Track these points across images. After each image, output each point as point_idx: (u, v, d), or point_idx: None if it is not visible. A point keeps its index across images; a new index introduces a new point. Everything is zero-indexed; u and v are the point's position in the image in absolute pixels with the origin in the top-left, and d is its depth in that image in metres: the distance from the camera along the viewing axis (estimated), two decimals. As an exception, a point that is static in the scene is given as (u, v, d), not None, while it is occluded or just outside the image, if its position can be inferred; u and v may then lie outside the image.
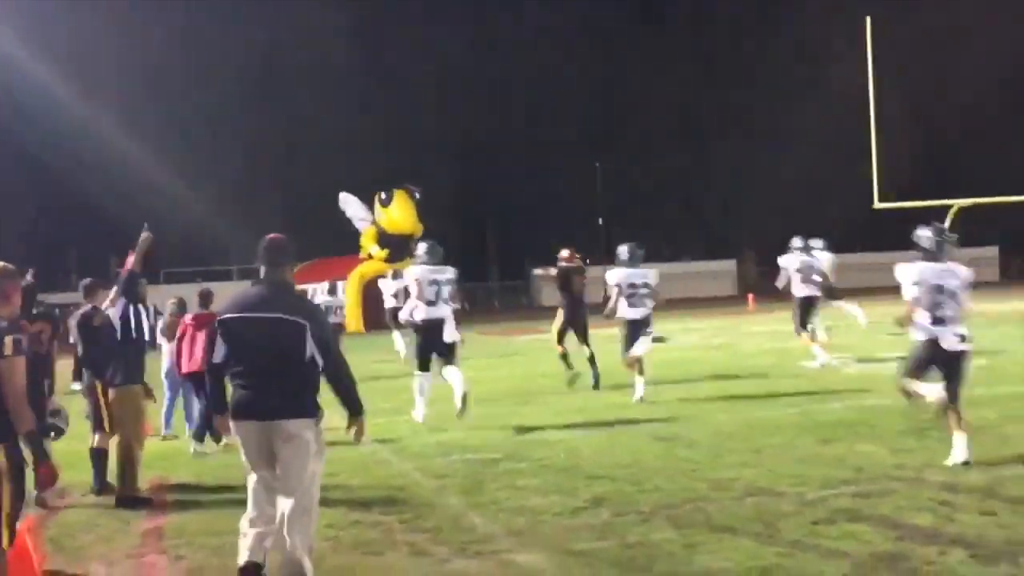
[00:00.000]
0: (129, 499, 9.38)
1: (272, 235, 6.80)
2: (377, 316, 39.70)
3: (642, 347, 14.40)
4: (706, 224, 60.37)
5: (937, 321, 9.04)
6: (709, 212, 57.71)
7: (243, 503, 8.75)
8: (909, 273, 9.15)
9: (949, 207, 41.26)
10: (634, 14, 59.65)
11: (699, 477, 8.98)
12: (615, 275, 14.62)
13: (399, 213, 37.04)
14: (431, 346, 13.21)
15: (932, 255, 9.19)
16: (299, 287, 27.73)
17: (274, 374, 6.39)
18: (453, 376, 12.86)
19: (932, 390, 9.10)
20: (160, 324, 14.38)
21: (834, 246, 22.90)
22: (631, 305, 14.43)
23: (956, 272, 9.17)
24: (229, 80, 53.36)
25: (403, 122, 55.42)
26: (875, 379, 14.78)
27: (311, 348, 6.37)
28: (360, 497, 9.07)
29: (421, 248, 13.70)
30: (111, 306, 9.94)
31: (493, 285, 61.53)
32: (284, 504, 6.31)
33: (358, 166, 49.90)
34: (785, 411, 12.29)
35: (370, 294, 39.27)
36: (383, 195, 37.25)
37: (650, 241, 59.65)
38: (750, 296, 41.26)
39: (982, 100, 55.70)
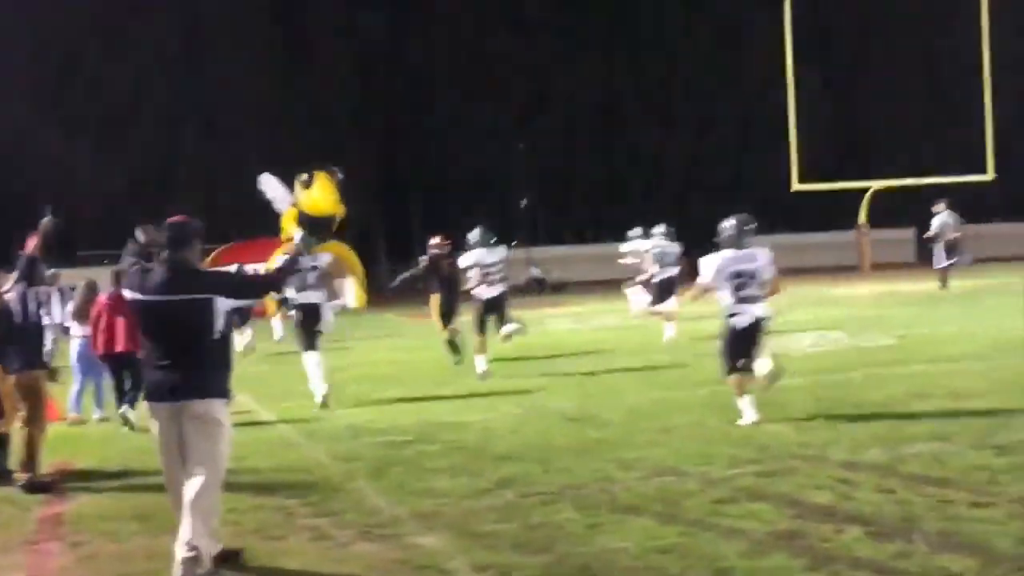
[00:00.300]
0: (34, 485, 9.22)
1: (175, 217, 6.74)
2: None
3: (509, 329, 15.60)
4: (629, 206, 60.61)
5: (740, 300, 10.28)
6: (631, 194, 57.77)
7: (146, 488, 8.70)
8: (712, 262, 10.45)
9: (866, 189, 41.89)
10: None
11: (607, 457, 9.00)
12: (469, 257, 15.55)
13: (320, 194, 36.61)
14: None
15: (734, 243, 10.42)
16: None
17: (182, 355, 6.39)
18: None
19: (763, 365, 10.31)
20: (70, 307, 14.16)
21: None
22: (488, 284, 15.33)
23: (756, 256, 10.41)
24: (146, 56, 52.48)
25: (324, 101, 54.87)
26: (786, 359, 14.90)
27: (220, 321, 6.41)
28: (266, 480, 8.98)
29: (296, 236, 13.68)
30: (11, 290, 9.75)
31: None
32: (189, 485, 6.28)
33: (279, 145, 49.39)
34: (696, 391, 12.36)
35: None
36: (305, 176, 36.87)
37: (575, 223, 59.91)
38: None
39: (900, 83, 56.32)
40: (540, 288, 42.11)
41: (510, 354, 17.22)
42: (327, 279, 14.25)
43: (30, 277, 9.68)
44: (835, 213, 48.16)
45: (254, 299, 6.58)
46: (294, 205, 39.39)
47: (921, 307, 22.59)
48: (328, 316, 13.86)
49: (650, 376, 14.18)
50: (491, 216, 59.13)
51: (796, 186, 38.13)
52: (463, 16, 56.83)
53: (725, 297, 10.35)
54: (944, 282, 26.53)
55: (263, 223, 37.15)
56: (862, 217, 42.61)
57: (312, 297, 13.71)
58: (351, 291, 36.60)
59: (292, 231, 36.17)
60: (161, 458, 6.55)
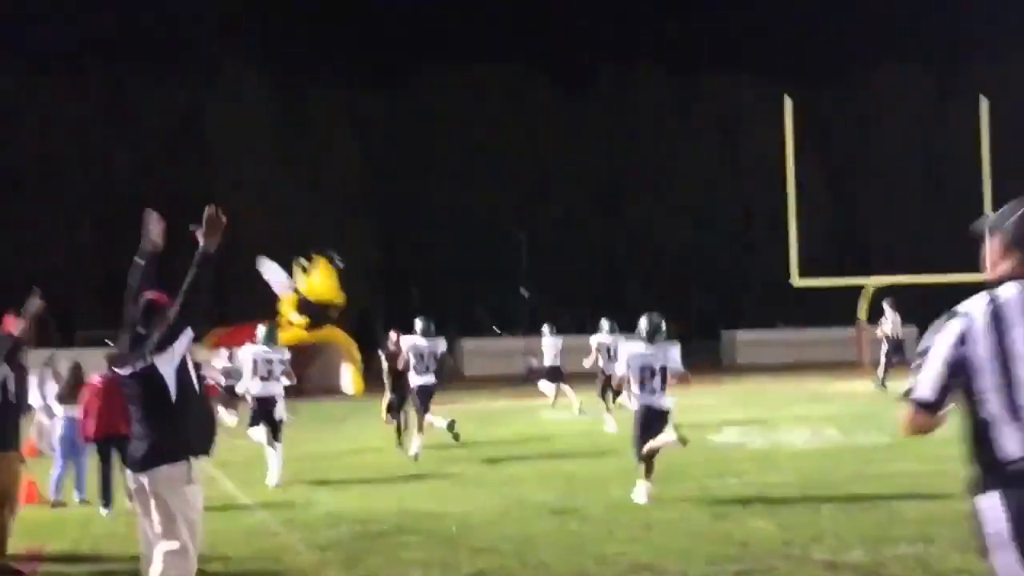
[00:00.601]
0: (3, 570, 9.05)
1: (149, 295, 6.63)
2: (297, 383, 39.38)
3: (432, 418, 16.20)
4: (629, 297, 60.66)
5: (648, 392, 11.36)
6: (631, 285, 57.92)
7: (113, 574, 8.56)
8: (623, 356, 11.69)
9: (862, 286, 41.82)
10: (558, 85, 60.26)
11: (586, 552, 8.83)
12: (405, 342, 16.76)
13: (320, 280, 36.67)
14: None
15: (646, 340, 11.48)
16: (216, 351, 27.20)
17: (143, 423, 6.30)
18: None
19: (666, 437, 11.22)
20: (54, 389, 14.07)
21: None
22: (417, 372, 16.31)
23: (666, 353, 11.42)
24: (149, 140, 53.01)
25: (326, 187, 55.26)
26: (777, 455, 14.76)
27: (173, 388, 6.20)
28: (238, 569, 8.84)
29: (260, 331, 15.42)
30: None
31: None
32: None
33: (280, 229, 49.61)
34: (682, 485, 12.17)
35: (290, 361, 38.85)
36: (304, 262, 36.91)
37: (575, 313, 59.92)
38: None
39: (901, 178, 56.69)
40: (537, 377, 41.85)
41: (498, 442, 17.09)
42: (289, 373, 15.10)
43: (12, 359, 9.60)
44: (836, 308, 48.12)
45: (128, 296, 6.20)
46: (294, 290, 38.98)
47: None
48: (281, 406, 14.69)
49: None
50: (491, 304, 59.55)
51: (797, 282, 38.03)
52: (464, 102, 57.41)
53: (635, 388, 11.45)
54: (882, 381, 26.19)
55: (265, 305, 37.21)
56: (861, 313, 42.48)
57: (273, 389, 14.59)
58: (348, 378, 36.42)
59: (290, 316, 35.83)
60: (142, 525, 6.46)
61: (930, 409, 3.92)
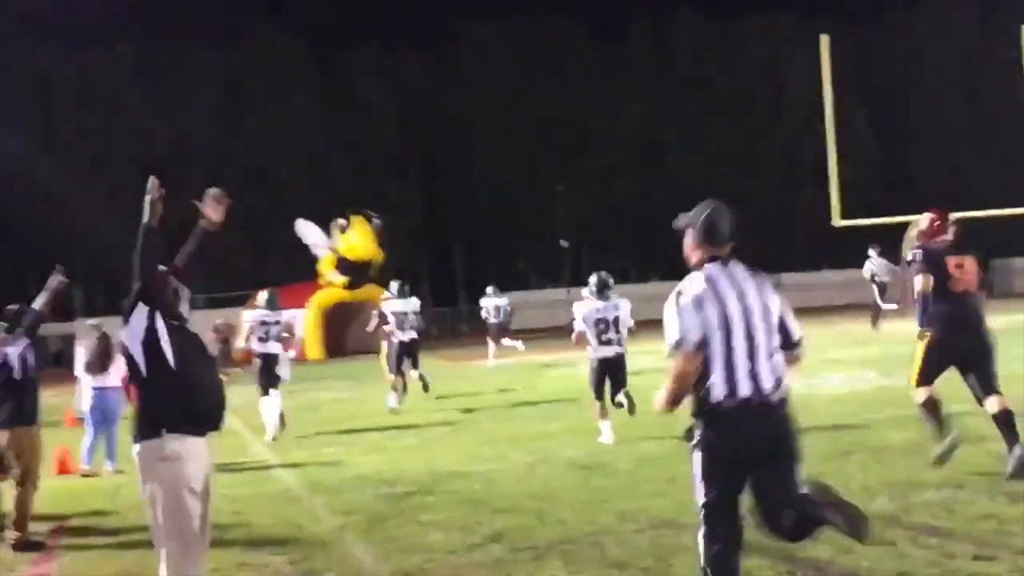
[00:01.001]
0: (24, 543, 9.07)
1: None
2: (336, 343, 39.52)
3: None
4: (672, 245, 60.19)
5: (603, 343, 12.49)
6: (673, 233, 57.54)
7: (137, 545, 8.52)
8: (579, 311, 12.71)
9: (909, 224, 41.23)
10: (595, 35, 59.68)
11: (607, 508, 8.71)
12: (386, 306, 18.32)
13: (358, 240, 36.61)
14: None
15: (597, 295, 12.62)
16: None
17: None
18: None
19: (621, 398, 12.62)
20: (84, 359, 14.10)
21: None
22: (401, 330, 17.95)
23: (616, 306, 12.61)
24: (191, 107, 53.05)
25: (366, 146, 55.18)
26: (813, 400, 14.54)
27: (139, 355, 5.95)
28: (257, 536, 8.78)
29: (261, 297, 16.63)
30: (11, 344, 9.65)
31: (462, 309, 61.18)
32: None
33: (322, 191, 49.64)
34: (712, 436, 12.01)
35: (329, 321, 38.98)
36: (342, 221, 36.86)
37: (617, 263, 59.65)
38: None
39: (945, 114, 55.74)
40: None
41: (534, 396, 17.03)
42: (288, 334, 16.33)
43: (31, 332, 9.61)
44: (884, 248, 47.52)
45: (144, 277, 5.87)
46: (332, 250, 39.04)
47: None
48: (286, 365, 15.89)
49: (669, 421, 13.77)
50: (533, 257, 59.27)
51: (838, 222, 37.58)
52: (503, 61, 57.01)
53: (592, 341, 12.52)
54: (875, 323, 27.13)
55: (305, 268, 37.28)
56: (907, 254, 41.97)
57: (272, 348, 15.62)
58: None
59: (329, 276, 36.01)
60: None
61: (694, 353, 5.18)
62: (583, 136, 57.54)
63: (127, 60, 53.07)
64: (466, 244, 60.18)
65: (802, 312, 25.82)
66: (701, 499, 5.49)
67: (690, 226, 5.45)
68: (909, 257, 9.44)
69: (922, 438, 10.72)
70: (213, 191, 6.37)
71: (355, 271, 36.13)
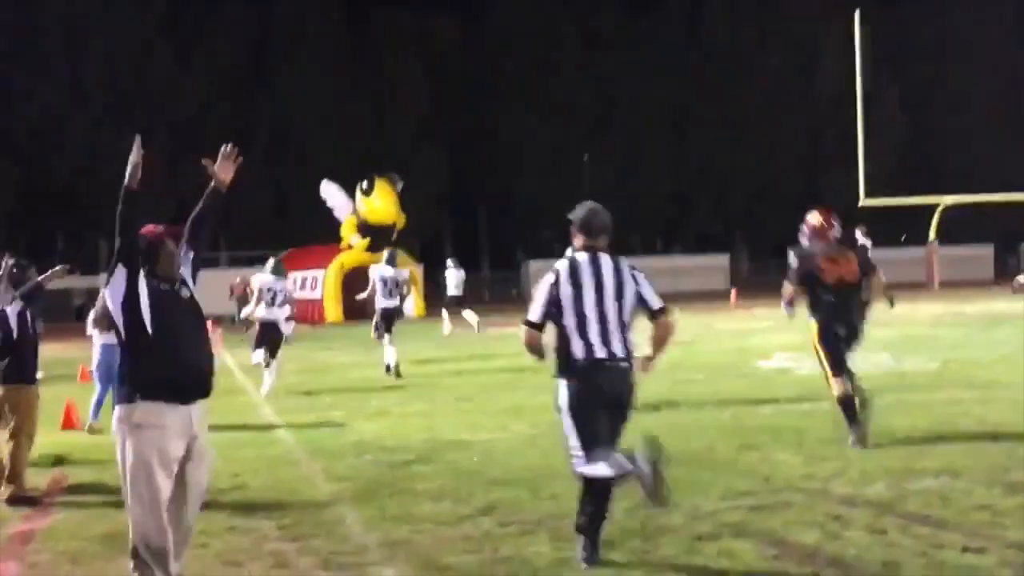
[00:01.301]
0: (18, 498, 9.10)
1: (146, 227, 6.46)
2: (355, 305, 39.48)
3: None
4: (698, 218, 59.98)
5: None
6: (700, 206, 57.28)
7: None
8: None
9: (936, 205, 40.96)
10: (627, 5, 59.23)
11: (601, 485, 8.65)
12: (374, 272, 19.05)
13: (380, 202, 36.56)
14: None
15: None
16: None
17: None
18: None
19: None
20: (92, 314, 14.11)
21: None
22: (384, 298, 18.35)
23: None
24: (216, 67, 53.03)
25: (393, 112, 55.09)
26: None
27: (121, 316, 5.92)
28: (251, 500, 8.78)
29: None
30: (9, 304, 9.71)
31: (484, 275, 61.14)
32: None
33: (348, 154, 49.60)
34: (715, 414, 11.97)
35: (349, 284, 38.97)
36: (364, 184, 36.76)
37: (641, 234, 59.37)
38: (733, 291, 40.72)
39: (976, 96, 55.21)
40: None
41: (542, 368, 16.90)
42: (292, 302, 17.52)
43: (29, 297, 9.69)
44: (911, 229, 47.21)
45: (122, 238, 5.76)
46: (354, 213, 39.00)
47: (979, 328, 21.91)
48: (286, 328, 17.12)
49: (677, 395, 13.75)
50: (559, 226, 59.08)
51: (863, 201, 37.40)
52: (533, 28, 56.71)
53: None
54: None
55: (330, 229, 37.25)
56: (932, 233, 41.72)
57: (275, 314, 16.41)
58: (409, 300, 36.42)
59: (351, 238, 36.00)
60: None
61: (536, 328, 6.66)
62: (611, 106, 57.24)
63: (155, 19, 53.01)
64: (491, 211, 60.04)
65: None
66: (572, 440, 6.57)
67: (573, 221, 6.83)
68: (791, 256, 10.92)
69: (925, 425, 10.67)
70: (225, 149, 6.33)
71: (377, 234, 36.24)
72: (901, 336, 20.05)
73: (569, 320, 6.50)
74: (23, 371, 9.53)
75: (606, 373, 6.49)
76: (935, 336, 20.43)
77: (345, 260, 37.47)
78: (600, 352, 6.45)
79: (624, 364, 6.55)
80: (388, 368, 17.75)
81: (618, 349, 6.50)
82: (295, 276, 35.33)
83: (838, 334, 9.95)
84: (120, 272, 5.84)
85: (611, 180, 53.75)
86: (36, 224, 53.13)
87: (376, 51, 56.39)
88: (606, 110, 57.10)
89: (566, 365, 6.54)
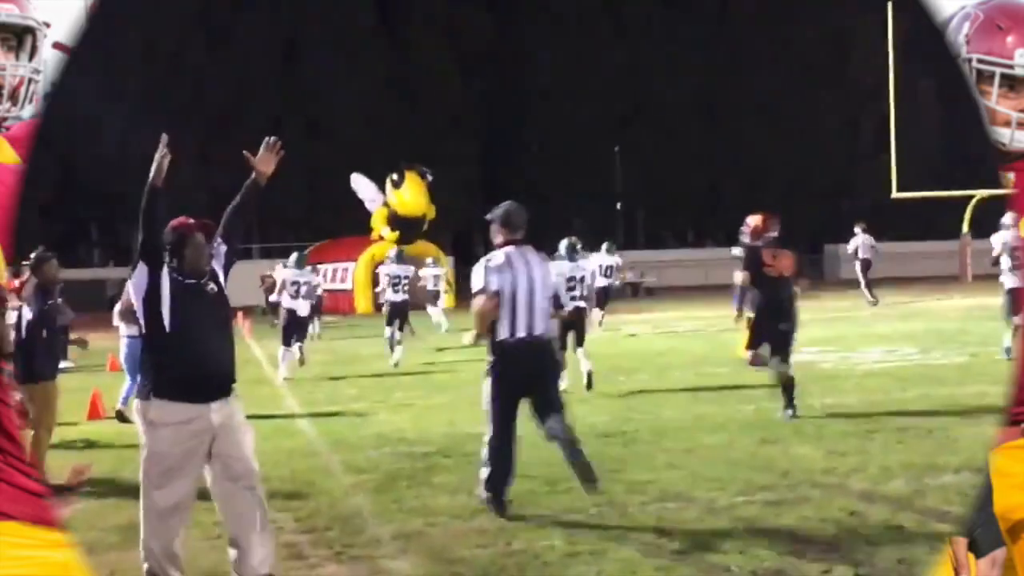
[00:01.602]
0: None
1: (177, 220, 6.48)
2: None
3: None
4: (729, 210, 59.62)
5: (570, 298, 13.60)
6: (732, 198, 56.89)
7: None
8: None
9: (970, 198, 40.58)
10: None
11: (618, 479, 8.63)
12: (382, 269, 20.35)
13: (410, 195, 36.58)
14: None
15: (567, 258, 14.00)
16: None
17: None
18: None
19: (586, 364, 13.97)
20: (118, 306, 14.18)
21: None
22: (393, 291, 19.35)
23: (584, 267, 14.39)
24: (249, 56, 53.17)
25: (424, 104, 55.08)
26: (845, 376, 14.36)
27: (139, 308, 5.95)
28: (269, 491, 8.53)
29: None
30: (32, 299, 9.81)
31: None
32: None
33: (377, 143, 49.61)
34: (738, 407, 11.92)
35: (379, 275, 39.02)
36: (395, 176, 36.78)
37: (673, 226, 59.08)
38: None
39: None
40: (634, 292, 41.74)
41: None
42: (313, 293, 18.46)
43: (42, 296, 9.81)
44: (943, 222, 46.82)
45: (145, 235, 5.75)
46: (385, 205, 39.05)
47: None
48: (315, 329, 19.30)
49: (700, 390, 13.73)
50: (588, 216, 59.02)
51: (895, 194, 37.15)
52: (564, 18, 56.54)
53: (564, 297, 13.44)
54: (871, 295, 27.94)
55: (362, 221, 37.30)
56: (965, 226, 41.38)
57: (298, 305, 17.23)
58: (442, 298, 36.53)
59: (382, 230, 36.10)
60: None
61: (492, 295, 7.52)
62: (642, 97, 56.99)
63: (189, 9, 53.20)
64: (521, 201, 59.91)
65: (857, 284, 25.59)
66: (488, 410, 7.83)
67: (495, 218, 7.85)
68: (734, 252, 12.82)
69: (949, 419, 10.57)
70: (268, 141, 6.28)
71: (407, 226, 36.26)
72: (929, 329, 19.92)
73: (502, 303, 7.54)
74: (34, 369, 9.56)
75: (529, 351, 7.64)
76: (965, 330, 20.23)
77: (376, 252, 37.50)
78: (523, 332, 7.59)
79: (546, 341, 7.83)
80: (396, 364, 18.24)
81: (540, 330, 7.67)
82: (326, 268, 35.50)
83: (771, 321, 11.29)
84: (142, 267, 5.85)
85: (642, 171, 53.57)
86: (70, 214, 53.46)
87: (408, 41, 56.38)
88: (637, 101, 56.82)
89: (495, 342, 7.65)
